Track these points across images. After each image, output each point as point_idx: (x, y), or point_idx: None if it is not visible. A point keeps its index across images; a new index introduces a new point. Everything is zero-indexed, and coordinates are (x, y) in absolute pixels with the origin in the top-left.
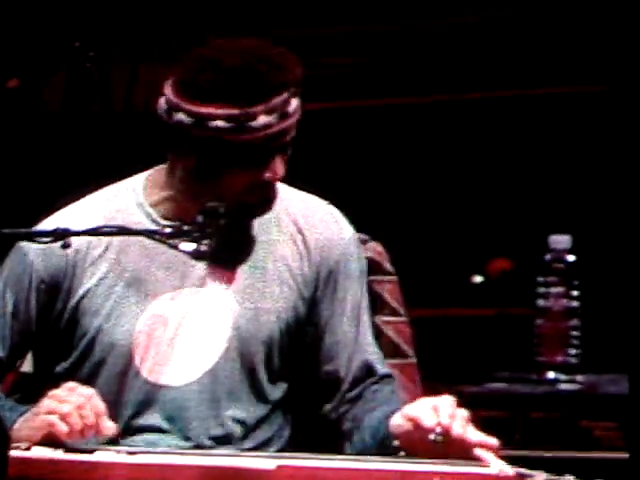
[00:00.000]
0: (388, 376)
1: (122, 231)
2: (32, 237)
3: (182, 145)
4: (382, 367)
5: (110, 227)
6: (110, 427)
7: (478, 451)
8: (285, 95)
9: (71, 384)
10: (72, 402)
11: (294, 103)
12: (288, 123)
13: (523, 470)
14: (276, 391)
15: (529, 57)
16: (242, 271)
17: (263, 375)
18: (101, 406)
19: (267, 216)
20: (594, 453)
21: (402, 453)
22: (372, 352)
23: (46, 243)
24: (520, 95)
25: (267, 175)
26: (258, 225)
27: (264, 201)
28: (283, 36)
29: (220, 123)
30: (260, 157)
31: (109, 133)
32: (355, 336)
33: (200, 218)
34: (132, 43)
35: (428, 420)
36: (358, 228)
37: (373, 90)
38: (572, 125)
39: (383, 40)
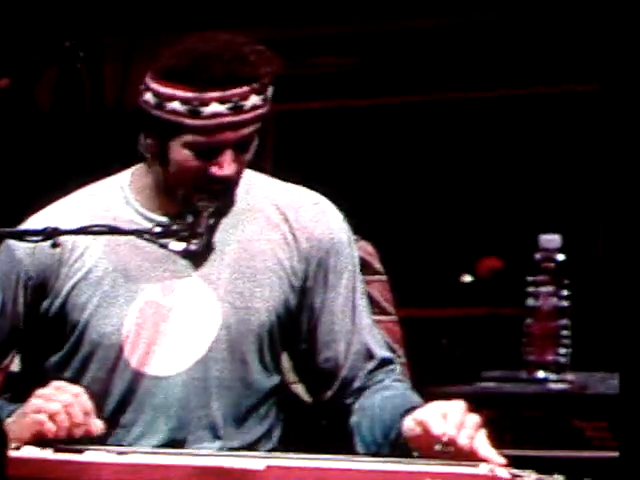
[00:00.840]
0: (388, 360)
1: (112, 230)
2: (22, 236)
3: (148, 128)
4: (381, 350)
5: (100, 226)
6: (99, 426)
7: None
8: (244, 89)
9: (59, 383)
10: (60, 401)
11: (254, 99)
12: (242, 117)
13: (514, 470)
14: (267, 382)
15: (519, 57)
16: (230, 262)
17: (254, 366)
18: (89, 404)
19: (253, 207)
20: (584, 452)
21: (415, 454)
22: (370, 336)
23: (36, 242)
24: (510, 95)
25: (213, 169)
26: (245, 216)
27: (215, 197)
28: (277, 35)
29: (176, 105)
30: (210, 148)
31: (100, 132)
32: (351, 321)
33: (190, 217)
34: (123, 42)
35: (436, 428)
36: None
37: (363, 90)
38: (562, 124)
39: (378, 39)
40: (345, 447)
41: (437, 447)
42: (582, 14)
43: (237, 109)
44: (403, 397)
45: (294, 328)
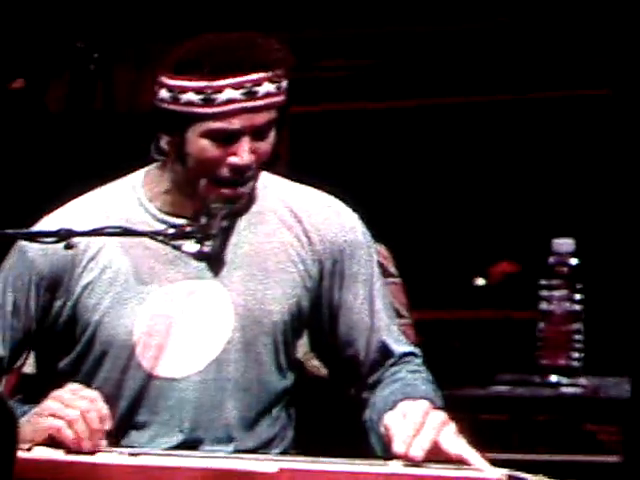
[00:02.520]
0: (407, 354)
1: (125, 232)
2: (35, 238)
3: (165, 125)
4: (400, 346)
5: (114, 227)
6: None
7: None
8: (257, 75)
9: (75, 386)
10: (77, 407)
11: (267, 86)
12: (256, 104)
13: (522, 474)
14: (281, 383)
15: (533, 61)
16: (243, 264)
17: (268, 367)
18: (105, 410)
19: (267, 208)
20: (596, 456)
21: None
22: (388, 333)
23: (49, 244)
24: (524, 99)
25: (232, 158)
26: (258, 218)
27: (234, 188)
28: (290, 38)
29: (191, 95)
30: (227, 135)
31: (112, 134)
32: (370, 319)
33: (203, 219)
34: (136, 45)
35: (397, 433)
36: None
37: (377, 93)
38: (576, 129)
39: (391, 42)
40: (356, 449)
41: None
42: (594, 19)
43: (251, 94)
44: (402, 389)
45: (308, 327)
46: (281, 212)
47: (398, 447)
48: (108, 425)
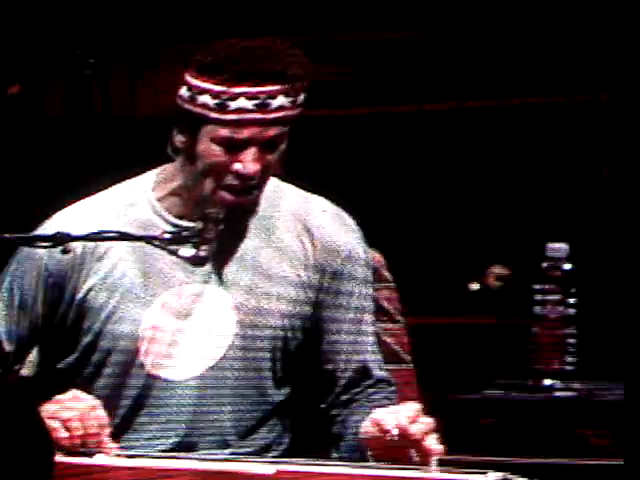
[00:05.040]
0: (384, 380)
1: (121, 236)
2: (32, 242)
3: (181, 123)
4: (379, 371)
5: (109, 232)
6: (111, 446)
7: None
8: (274, 87)
9: (77, 392)
10: (75, 409)
11: (281, 100)
12: (267, 116)
13: (516, 477)
14: (279, 393)
15: (522, 67)
16: (247, 269)
17: (267, 375)
18: (105, 418)
19: (273, 215)
20: (589, 460)
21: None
22: (371, 355)
23: (45, 248)
24: (518, 104)
25: (236, 165)
26: (263, 223)
27: (240, 196)
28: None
29: (207, 98)
30: (235, 143)
31: (109, 139)
32: (355, 338)
33: (199, 224)
34: (133, 50)
35: (388, 422)
36: None
37: (371, 98)
38: (570, 134)
39: (377, 49)
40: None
41: (387, 437)
42: (590, 25)
43: (263, 107)
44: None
45: (305, 338)
46: (290, 221)
47: (401, 420)
48: (107, 432)
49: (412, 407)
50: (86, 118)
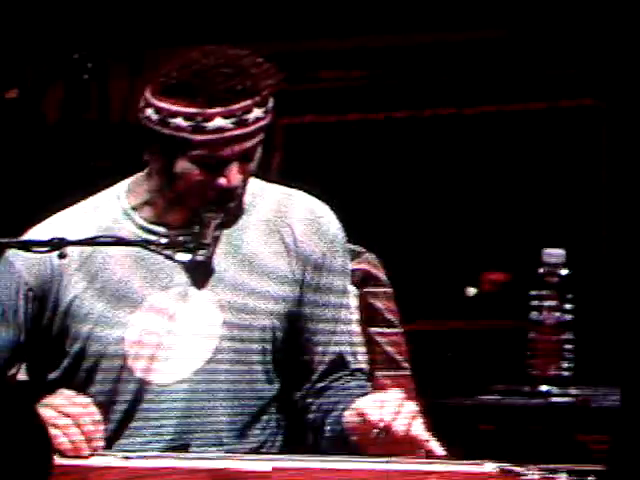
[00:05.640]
0: (359, 370)
1: (118, 241)
2: (28, 247)
3: (151, 144)
4: (355, 361)
5: (107, 237)
6: (101, 444)
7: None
8: (247, 102)
9: (67, 392)
10: (71, 414)
11: (256, 112)
12: (246, 130)
13: (516, 468)
14: (270, 389)
15: (519, 72)
16: (231, 269)
17: (258, 372)
18: (98, 415)
19: (256, 215)
20: (587, 466)
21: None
22: (348, 345)
23: (42, 253)
24: (516, 110)
25: (220, 181)
26: (246, 222)
27: (222, 207)
28: (284, 50)
29: (180, 121)
30: (215, 161)
31: (106, 144)
32: (333, 329)
33: (196, 228)
34: (130, 55)
35: (373, 416)
36: (353, 240)
37: (369, 104)
38: (567, 139)
39: (384, 54)
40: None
41: (374, 432)
42: (589, 30)
43: (241, 123)
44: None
45: (291, 332)
46: (270, 217)
47: (385, 416)
48: (102, 428)
49: (394, 396)
50: (84, 123)
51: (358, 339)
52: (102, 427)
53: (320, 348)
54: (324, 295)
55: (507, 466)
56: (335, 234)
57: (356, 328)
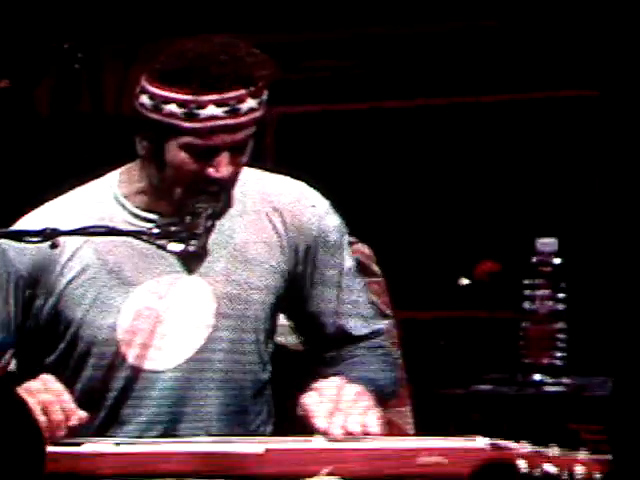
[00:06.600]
0: (370, 335)
1: (110, 231)
2: (21, 237)
3: (144, 131)
4: (362, 329)
5: (99, 227)
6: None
7: None
8: (241, 91)
9: (46, 377)
10: (39, 399)
11: (250, 103)
12: (238, 120)
13: (508, 442)
14: (263, 375)
15: (516, 62)
16: (223, 255)
17: (251, 358)
18: (71, 405)
19: (246, 202)
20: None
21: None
22: (353, 317)
23: (35, 243)
24: (508, 100)
25: (210, 170)
26: (238, 212)
27: (213, 197)
28: (276, 40)
29: (173, 107)
30: (206, 150)
31: (99, 135)
32: (336, 304)
33: (188, 218)
34: (123, 45)
35: (317, 418)
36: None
37: (361, 93)
38: (560, 129)
39: (375, 43)
40: None
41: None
42: (583, 20)
43: (233, 112)
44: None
45: (285, 308)
46: (260, 204)
47: (320, 424)
48: (73, 421)
49: (332, 390)
50: (76, 115)
51: (361, 305)
52: (75, 416)
53: (323, 326)
54: (322, 274)
55: (498, 441)
56: (324, 213)
57: (355, 295)
